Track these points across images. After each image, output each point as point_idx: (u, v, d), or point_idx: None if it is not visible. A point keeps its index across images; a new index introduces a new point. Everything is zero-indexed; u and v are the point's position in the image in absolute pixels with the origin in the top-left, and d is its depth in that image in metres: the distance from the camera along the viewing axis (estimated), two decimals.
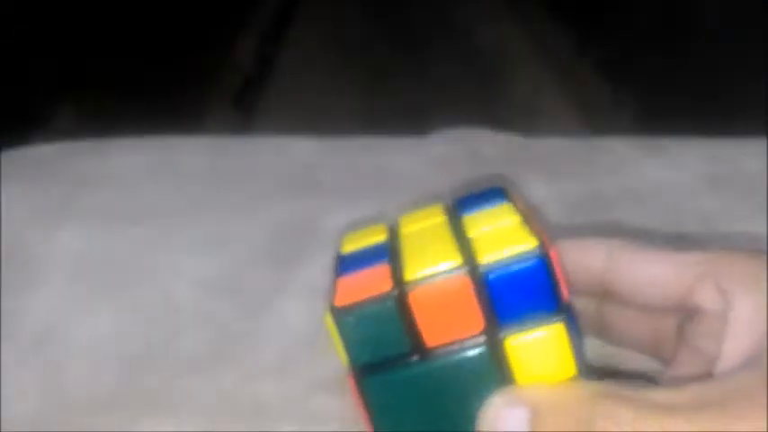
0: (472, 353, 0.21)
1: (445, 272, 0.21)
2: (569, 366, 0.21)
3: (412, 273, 0.21)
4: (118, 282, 0.40)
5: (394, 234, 0.24)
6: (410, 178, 0.46)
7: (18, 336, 0.37)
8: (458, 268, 0.21)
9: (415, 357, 0.21)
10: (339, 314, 0.21)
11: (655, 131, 0.50)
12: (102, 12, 1.27)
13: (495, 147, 0.48)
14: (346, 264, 0.23)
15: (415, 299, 0.21)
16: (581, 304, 0.26)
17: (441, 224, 0.24)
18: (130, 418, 0.33)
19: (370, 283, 0.21)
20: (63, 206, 0.45)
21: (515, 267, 0.21)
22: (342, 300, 0.21)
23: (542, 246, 0.21)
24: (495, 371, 0.21)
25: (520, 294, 0.21)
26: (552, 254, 0.21)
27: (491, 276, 0.21)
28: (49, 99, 1.19)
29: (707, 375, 0.22)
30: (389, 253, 0.23)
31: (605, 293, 0.26)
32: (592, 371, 0.22)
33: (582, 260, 0.25)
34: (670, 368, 0.25)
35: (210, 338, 0.37)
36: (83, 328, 0.37)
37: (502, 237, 0.21)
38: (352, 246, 0.24)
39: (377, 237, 0.24)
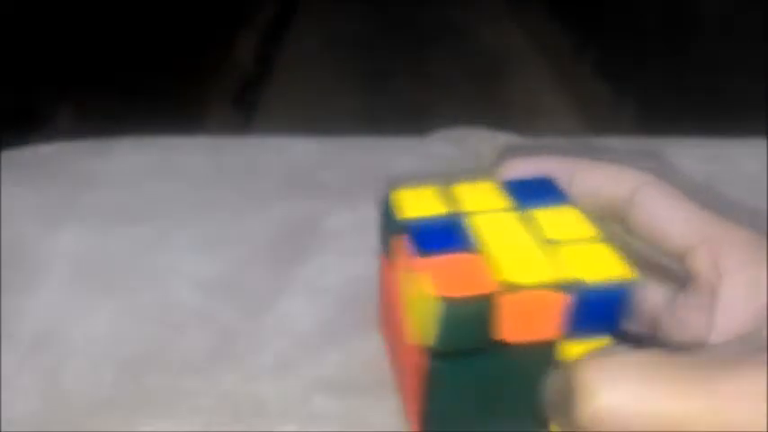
0: (546, 355, 0.22)
1: (542, 284, 0.22)
2: None
3: (511, 275, 0.22)
4: (118, 282, 0.40)
5: (455, 207, 0.25)
6: (410, 178, 0.46)
7: (18, 336, 0.37)
8: (554, 284, 0.22)
9: (490, 351, 0.22)
10: (443, 305, 0.21)
11: (654, 131, 0.50)
12: (102, 11, 1.27)
13: (494, 147, 0.48)
14: (421, 236, 0.24)
15: (508, 302, 0.22)
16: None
17: (512, 216, 0.24)
18: (130, 419, 0.33)
19: (470, 275, 0.22)
20: (63, 206, 0.45)
21: (604, 293, 0.22)
22: (446, 290, 0.21)
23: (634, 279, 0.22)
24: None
25: (597, 317, 0.22)
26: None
27: (581, 297, 0.22)
28: (49, 99, 1.19)
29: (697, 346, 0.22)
30: (468, 234, 0.24)
31: (622, 220, 0.26)
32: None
33: (608, 185, 0.26)
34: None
35: (210, 338, 0.37)
36: (83, 329, 0.37)
37: (590, 255, 0.22)
38: (413, 211, 0.25)
39: (437, 205, 0.26)
